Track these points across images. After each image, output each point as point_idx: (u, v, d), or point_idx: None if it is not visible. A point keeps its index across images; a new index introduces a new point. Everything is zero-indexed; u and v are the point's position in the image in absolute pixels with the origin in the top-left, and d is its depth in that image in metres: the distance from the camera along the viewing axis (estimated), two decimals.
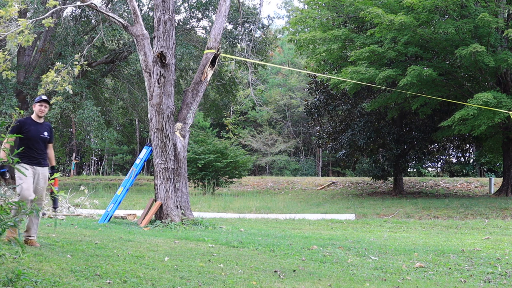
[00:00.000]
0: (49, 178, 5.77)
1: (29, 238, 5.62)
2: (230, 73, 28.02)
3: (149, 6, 24.93)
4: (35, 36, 14.20)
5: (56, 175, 5.76)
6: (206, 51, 10.79)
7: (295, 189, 25.85)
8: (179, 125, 10.27)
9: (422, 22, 17.14)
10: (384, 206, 17.28)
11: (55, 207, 6.03)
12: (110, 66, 26.47)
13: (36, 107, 5.82)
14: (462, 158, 35.63)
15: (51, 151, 5.98)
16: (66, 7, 20.43)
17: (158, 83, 9.73)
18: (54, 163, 6.05)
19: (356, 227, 11.46)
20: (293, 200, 21.10)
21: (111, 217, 10.31)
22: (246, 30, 25.18)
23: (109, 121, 29.62)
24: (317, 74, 22.25)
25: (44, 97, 5.81)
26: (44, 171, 5.77)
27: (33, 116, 5.85)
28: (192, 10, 25.68)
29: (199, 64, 13.71)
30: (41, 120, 5.84)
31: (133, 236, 7.57)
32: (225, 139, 33.81)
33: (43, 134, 5.77)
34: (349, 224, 12.14)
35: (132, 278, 4.61)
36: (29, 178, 5.50)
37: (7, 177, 5.29)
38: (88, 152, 38.93)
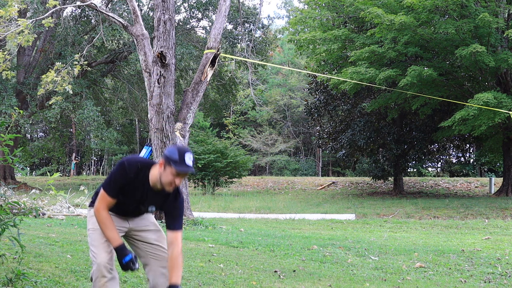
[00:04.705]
0: None
1: None
2: (230, 73, 27.99)
3: (149, 6, 24.91)
4: (35, 36, 14.19)
5: None
6: (206, 51, 10.79)
7: (295, 189, 25.84)
8: (179, 125, 10.27)
9: (422, 22, 17.14)
10: (384, 206, 17.27)
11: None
12: (110, 66, 26.45)
13: (168, 177, 3.05)
14: (462, 158, 35.61)
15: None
16: (66, 7, 20.42)
17: (158, 83, 9.72)
18: None
19: (356, 227, 11.45)
20: (293, 200, 21.09)
21: None
22: (246, 30, 25.16)
23: (109, 121, 29.62)
24: (317, 74, 22.22)
25: (191, 165, 3.04)
26: (146, 216, 3.46)
27: (152, 178, 3.14)
28: (192, 10, 25.67)
29: (199, 64, 13.69)
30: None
31: None
32: (225, 139, 33.75)
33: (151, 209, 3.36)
34: (349, 224, 12.13)
35: (132, 278, 4.61)
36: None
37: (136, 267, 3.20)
38: (88, 152, 38.97)
